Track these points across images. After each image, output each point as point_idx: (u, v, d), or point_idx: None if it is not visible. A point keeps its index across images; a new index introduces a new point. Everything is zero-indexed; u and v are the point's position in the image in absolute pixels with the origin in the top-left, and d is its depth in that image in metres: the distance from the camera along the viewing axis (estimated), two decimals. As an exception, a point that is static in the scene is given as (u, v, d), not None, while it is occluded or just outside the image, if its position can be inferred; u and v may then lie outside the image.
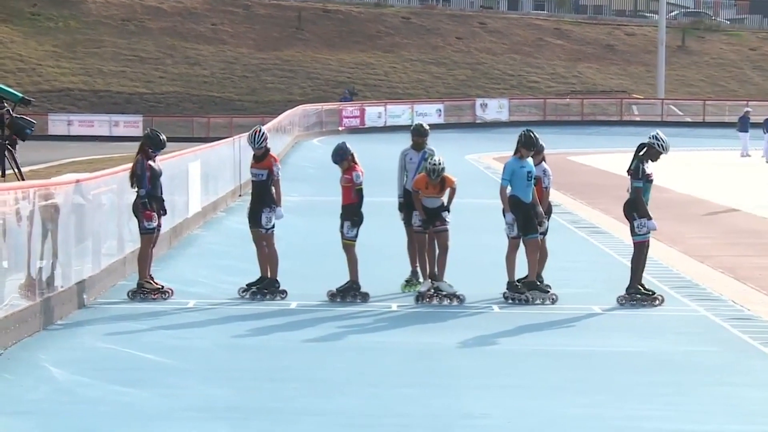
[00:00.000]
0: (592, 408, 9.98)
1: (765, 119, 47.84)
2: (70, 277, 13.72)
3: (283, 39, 77.79)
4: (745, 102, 65.52)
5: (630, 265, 14.90)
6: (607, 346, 12.61)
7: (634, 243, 14.78)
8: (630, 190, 14.64)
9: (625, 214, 14.85)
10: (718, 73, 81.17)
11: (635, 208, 14.60)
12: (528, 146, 14.75)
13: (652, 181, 14.71)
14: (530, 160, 14.83)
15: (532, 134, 14.88)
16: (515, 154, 14.82)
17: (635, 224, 14.63)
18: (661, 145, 14.62)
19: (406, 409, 9.90)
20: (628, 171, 14.68)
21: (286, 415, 9.68)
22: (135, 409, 9.73)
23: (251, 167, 15.25)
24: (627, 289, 14.79)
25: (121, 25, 76.35)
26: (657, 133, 14.76)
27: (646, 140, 14.73)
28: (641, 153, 14.65)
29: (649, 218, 14.58)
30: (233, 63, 74.45)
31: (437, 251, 14.89)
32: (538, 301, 14.66)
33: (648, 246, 14.83)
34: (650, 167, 14.65)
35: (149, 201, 14.89)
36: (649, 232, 14.68)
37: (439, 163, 14.78)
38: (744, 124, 49.89)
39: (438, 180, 14.78)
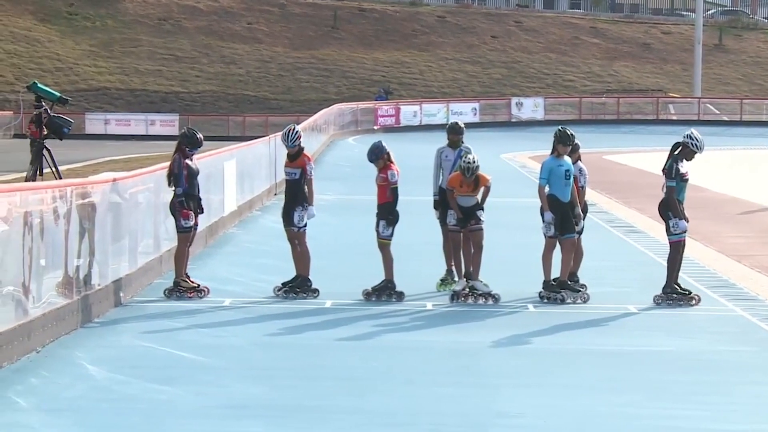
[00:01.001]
0: (627, 407, 9.96)
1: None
2: (107, 275, 13.80)
3: (318, 38, 77.91)
4: (783, 101, 65.13)
5: (666, 265, 14.85)
6: (643, 345, 12.57)
7: (669, 242, 14.73)
8: (665, 190, 14.59)
9: (660, 214, 14.80)
10: (756, 71, 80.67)
11: (669, 208, 14.56)
12: (564, 142, 14.72)
13: (687, 180, 14.66)
14: (568, 158, 14.80)
15: (567, 130, 14.86)
16: (552, 152, 14.80)
17: (670, 224, 14.57)
18: (696, 144, 14.57)
19: (440, 407, 9.91)
20: (663, 170, 14.64)
21: (322, 413, 9.70)
22: (171, 406, 9.78)
23: (285, 166, 15.29)
24: (663, 289, 14.74)
25: (157, 25, 76.69)
26: (691, 132, 14.70)
27: (680, 139, 14.68)
28: (676, 152, 14.61)
29: (681, 218, 14.51)
30: (269, 62, 74.64)
31: (472, 250, 14.88)
32: (569, 300, 14.64)
33: (684, 245, 14.77)
34: (685, 166, 14.60)
35: (186, 200, 14.95)
36: (684, 232, 14.63)
37: (474, 162, 14.77)
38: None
39: (472, 178, 14.78)
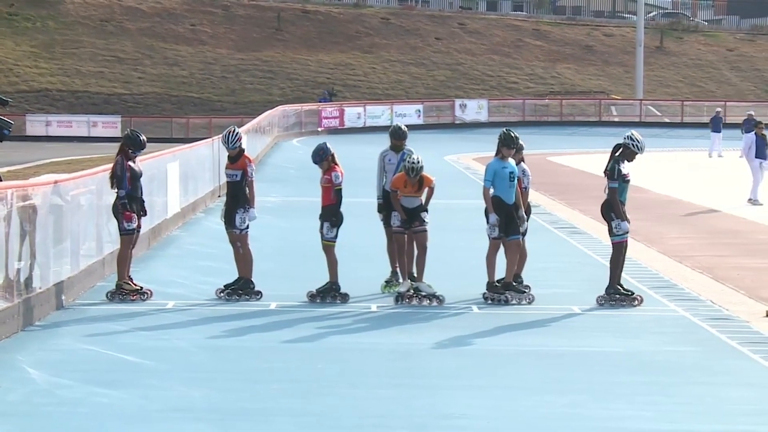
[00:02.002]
0: (571, 408, 10.01)
1: (744, 119, 48.04)
2: (48, 278, 13.68)
3: (262, 40, 77.71)
4: (723, 102, 65.81)
5: (609, 266, 14.94)
6: (586, 346, 12.64)
7: (612, 243, 14.82)
8: (606, 191, 14.69)
9: (602, 215, 14.89)
10: (696, 73, 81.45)
11: (612, 209, 14.65)
12: (508, 144, 14.78)
13: (628, 181, 14.76)
14: (512, 160, 14.85)
15: (511, 133, 14.92)
16: (496, 155, 14.85)
17: (613, 225, 14.66)
18: (636, 145, 14.68)
19: (385, 409, 9.91)
20: (604, 172, 14.73)
21: (265, 416, 9.68)
22: (114, 410, 9.71)
23: (226, 168, 15.26)
24: (606, 290, 14.83)
25: (99, 26, 76.15)
26: (632, 134, 14.81)
27: (621, 140, 14.79)
28: (617, 153, 14.71)
29: (623, 219, 14.62)
30: (212, 64, 74.35)
31: (416, 252, 14.90)
32: (514, 302, 14.69)
33: (626, 246, 14.86)
34: (626, 167, 14.70)
35: (129, 202, 14.87)
36: (626, 233, 14.72)
37: (418, 162, 14.79)
38: (716, 125, 50.10)
39: (416, 179, 14.80)
